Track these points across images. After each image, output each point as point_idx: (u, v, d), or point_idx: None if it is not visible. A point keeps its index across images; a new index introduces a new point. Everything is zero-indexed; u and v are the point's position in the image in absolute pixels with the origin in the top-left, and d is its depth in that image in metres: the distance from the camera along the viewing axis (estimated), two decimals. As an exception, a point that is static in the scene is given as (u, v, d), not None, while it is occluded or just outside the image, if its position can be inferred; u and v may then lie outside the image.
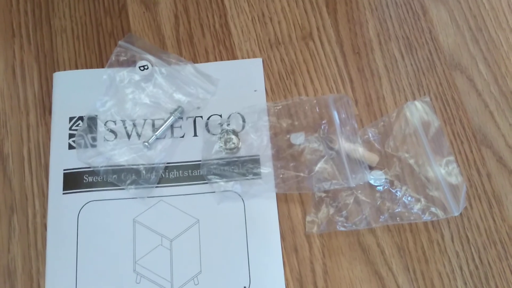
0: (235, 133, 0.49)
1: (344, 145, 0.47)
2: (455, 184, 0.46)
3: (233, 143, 0.48)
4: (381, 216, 0.46)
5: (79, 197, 0.46)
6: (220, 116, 0.50)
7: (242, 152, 0.49)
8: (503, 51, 0.53)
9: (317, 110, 0.49)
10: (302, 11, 0.54)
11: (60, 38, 0.53)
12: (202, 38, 0.53)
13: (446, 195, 0.46)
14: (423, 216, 0.45)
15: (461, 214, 0.47)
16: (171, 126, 0.49)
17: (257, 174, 0.48)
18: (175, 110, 0.49)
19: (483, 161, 0.49)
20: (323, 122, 0.49)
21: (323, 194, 0.47)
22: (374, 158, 0.48)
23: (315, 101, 0.50)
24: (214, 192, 0.47)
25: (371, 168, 0.48)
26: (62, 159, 0.48)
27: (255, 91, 0.51)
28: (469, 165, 0.49)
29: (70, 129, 0.49)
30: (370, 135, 0.49)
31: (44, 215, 0.46)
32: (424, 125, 0.48)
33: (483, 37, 0.54)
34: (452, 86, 0.52)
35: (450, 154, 0.47)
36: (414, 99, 0.51)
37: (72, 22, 0.54)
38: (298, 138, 0.49)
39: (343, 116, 0.49)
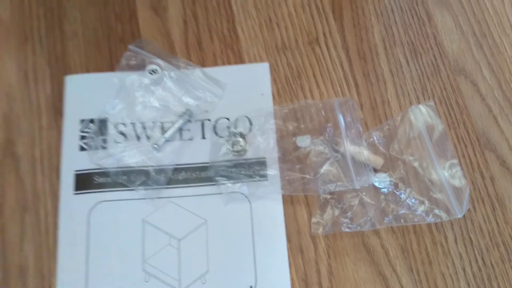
0: (242, 135, 0.50)
1: (349, 148, 0.48)
2: (458, 186, 0.47)
3: (240, 146, 0.49)
4: (385, 218, 0.47)
5: (89, 198, 0.47)
6: (228, 119, 0.51)
7: (249, 155, 0.49)
8: (507, 56, 0.54)
9: (323, 114, 0.50)
10: (309, 16, 0.55)
11: (72, 43, 0.54)
12: (210, 42, 0.54)
13: (450, 198, 0.46)
14: (426, 218, 0.46)
15: (464, 216, 0.48)
16: (180, 129, 0.50)
17: (264, 176, 0.49)
18: (184, 113, 0.50)
19: (487, 165, 0.49)
20: (329, 125, 0.50)
21: (328, 196, 0.48)
22: (378, 161, 0.48)
23: (321, 104, 0.51)
24: (221, 193, 0.48)
25: (376, 170, 0.48)
26: (73, 160, 0.49)
27: (262, 94, 0.52)
28: (473, 168, 0.49)
29: (81, 131, 0.50)
30: (375, 138, 0.49)
31: (55, 215, 0.48)
32: (428, 129, 0.49)
33: (487, 43, 0.55)
34: (456, 91, 0.52)
35: (453, 157, 0.48)
36: (419, 103, 0.52)
37: (84, 27, 0.55)
38: (304, 141, 0.49)
39: (349, 119, 0.50)
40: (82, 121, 0.50)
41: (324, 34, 0.55)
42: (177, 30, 0.55)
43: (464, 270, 0.46)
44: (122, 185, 0.48)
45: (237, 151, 0.49)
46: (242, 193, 0.48)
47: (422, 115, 0.50)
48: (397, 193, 0.47)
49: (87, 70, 0.53)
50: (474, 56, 0.54)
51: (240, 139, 0.50)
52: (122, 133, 0.50)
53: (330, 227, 0.47)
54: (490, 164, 0.49)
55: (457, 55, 0.54)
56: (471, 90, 0.52)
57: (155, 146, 0.49)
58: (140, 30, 0.55)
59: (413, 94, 0.52)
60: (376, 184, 0.48)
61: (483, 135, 0.51)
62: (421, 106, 0.50)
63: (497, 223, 0.48)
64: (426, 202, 0.47)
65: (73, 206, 0.47)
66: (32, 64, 0.53)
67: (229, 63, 0.54)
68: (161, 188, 0.48)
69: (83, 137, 0.50)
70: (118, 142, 0.49)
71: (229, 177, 0.48)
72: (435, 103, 0.52)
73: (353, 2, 0.56)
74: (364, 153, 0.48)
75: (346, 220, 0.47)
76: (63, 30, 0.55)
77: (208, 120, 0.51)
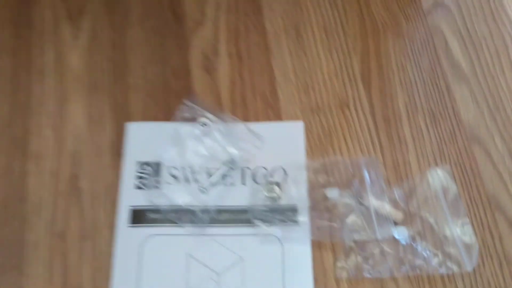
0: (277, 184, 0.56)
1: (373, 201, 0.54)
2: (469, 243, 0.52)
3: (276, 193, 0.56)
4: (402, 267, 0.52)
5: (142, 231, 0.54)
6: (266, 168, 0.58)
7: (283, 202, 0.56)
8: (517, 128, 0.60)
9: (351, 170, 0.57)
10: (341, 83, 0.63)
11: (133, 94, 0.62)
12: (253, 101, 0.62)
13: (461, 252, 0.52)
14: (439, 269, 0.52)
15: (474, 270, 0.53)
16: (224, 175, 0.57)
17: (295, 222, 0.55)
18: (228, 161, 0.58)
19: (496, 225, 0.55)
20: (355, 180, 0.56)
21: (353, 244, 0.54)
22: (399, 215, 0.54)
23: (349, 161, 0.58)
24: (257, 234, 0.54)
25: (396, 223, 0.54)
26: (129, 197, 0.56)
27: (296, 149, 0.59)
28: (483, 227, 0.55)
29: (138, 172, 0.57)
30: (396, 194, 0.56)
31: (111, 245, 0.54)
32: (443, 190, 0.55)
33: (500, 115, 0.61)
34: (470, 157, 0.59)
35: (465, 216, 0.54)
36: (436, 165, 0.58)
37: (144, 81, 0.63)
38: (332, 193, 0.56)
39: (373, 176, 0.56)
40: (139, 163, 0.58)
41: (354, 99, 0.62)
42: (225, 88, 0.63)
43: (472, 319, 0.51)
44: (171, 221, 0.55)
45: (273, 198, 0.56)
46: (275, 236, 0.54)
47: (438, 177, 0.56)
48: (414, 245, 0.53)
49: (146, 119, 0.61)
50: (487, 126, 0.60)
51: (276, 187, 0.56)
52: (174, 176, 0.57)
53: (353, 272, 0.52)
54: (499, 224, 0.55)
55: (472, 124, 0.60)
56: (484, 157, 0.59)
57: (202, 189, 0.56)
58: (193, 86, 0.63)
59: (432, 157, 0.59)
60: (396, 235, 0.54)
61: (493, 198, 0.56)
62: (438, 169, 0.56)
63: (504, 279, 0.53)
64: (439, 255, 0.52)
65: (127, 237, 0.54)
66: (98, 110, 0.61)
67: (269, 119, 0.61)
68: (205, 226, 0.54)
69: (139, 177, 0.57)
70: (169, 184, 0.57)
71: (264, 220, 0.55)
72: (451, 166, 0.58)
73: (380, 73, 0.63)
74: (386, 207, 0.54)
75: (368, 267, 0.53)
76: (127, 82, 0.63)
77: (248, 168, 0.58)
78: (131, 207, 0.55)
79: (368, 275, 0.52)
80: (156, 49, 0.65)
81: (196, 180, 0.57)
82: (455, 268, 0.52)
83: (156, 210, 0.55)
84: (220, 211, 0.55)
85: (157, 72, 0.64)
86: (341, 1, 0.66)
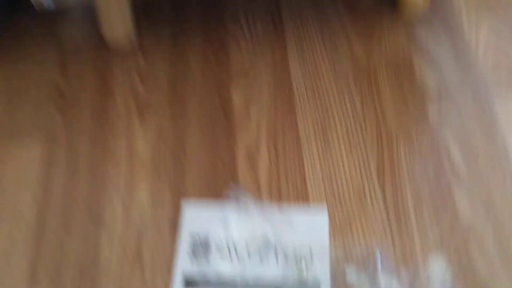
0: (305, 262, 0.68)
1: (383, 281, 0.66)
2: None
3: (303, 270, 0.68)
4: (407, 338, 0.63)
5: (194, 294, 0.66)
6: (295, 248, 0.70)
7: (309, 277, 0.67)
8: (506, 223, 0.72)
9: (366, 254, 0.69)
10: (359, 177, 0.76)
11: (189, 176, 0.76)
12: (286, 188, 0.75)
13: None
14: None
15: None
16: (260, 250, 0.69)
17: (319, 294, 0.66)
18: (263, 239, 0.70)
19: (487, 306, 0.66)
20: (369, 261, 0.68)
21: (366, 315, 0.65)
22: (404, 293, 0.66)
23: (365, 247, 0.70)
24: (287, 304, 0.66)
25: (402, 301, 0.66)
26: (183, 264, 0.68)
27: (321, 230, 0.71)
28: (475, 308, 0.66)
29: (190, 243, 0.70)
30: (403, 275, 0.67)
31: (167, 305, 0.66)
32: (442, 273, 0.67)
33: (492, 212, 0.73)
34: (466, 246, 0.69)
35: (460, 298, 0.65)
36: (437, 251, 0.69)
37: (198, 167, 0.77)
38: (350, 271, 0.67)
39: (384, 258, 0.68)
40: (192, 235, 0.70)
41: (370, 191, 0.75)
42: (263, 176, 0.76)
43: None
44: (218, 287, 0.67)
45: (300, 272, 0.67)
46: (301, 305, 0.66)
47: (438, 262, 0.67)
48: (417, 320, 0.64)
49: (199, 197, 0.74)
50: (482, 222, 0.71)
51: (303, 265, 0.68)
52: (219, 248, 0.69)
53: None
54: (490, 306, 0.66)
55: (469, 220, 0.71)
56: (478, 247, 0.69)
57: (242, 261, 0.68)
58: (237, 173, 0.76)
59: (433, 245, 0.70)
60: (402, 311, 0.65)
61: (485, 283, 0.67)
62: (438, 255, 0.68)
63: None
64: (438, 330, 0.63)
65: (181, 299, 0.66)
66: (159, 189, 0.75)
67: (299, 203, 0.74)
68: (245, 294, 0.67)
69: (192, 248, 0.69)
70: (216, 255, 0.69)
71: (293, 292, 0.66)
72: (450, 253, 0.69)
73: (392, 170, 0.76)
74: (394, 287, 0.66)
75: (378, 336, 0.63)
76: (184, 167, 0.77)
77: (280, 246, 0.70)
78: (184, 273, 0.68)
79: None
80: (208, 141, 0.79)
81: (237, 253, 0.69)
82: None
83: (204, 277, 0.67)
84: (257, 283, 0.67)
85: (209, 159, 0.78)
86: (362, 111, 0.81)
